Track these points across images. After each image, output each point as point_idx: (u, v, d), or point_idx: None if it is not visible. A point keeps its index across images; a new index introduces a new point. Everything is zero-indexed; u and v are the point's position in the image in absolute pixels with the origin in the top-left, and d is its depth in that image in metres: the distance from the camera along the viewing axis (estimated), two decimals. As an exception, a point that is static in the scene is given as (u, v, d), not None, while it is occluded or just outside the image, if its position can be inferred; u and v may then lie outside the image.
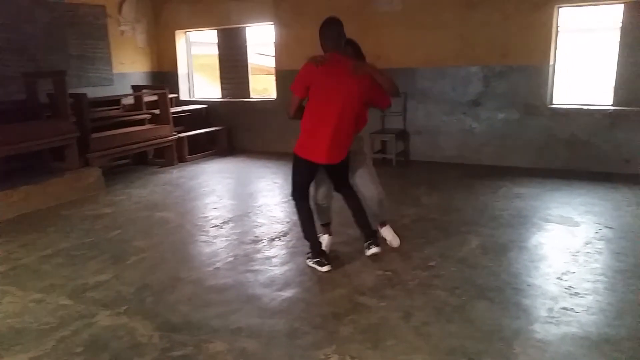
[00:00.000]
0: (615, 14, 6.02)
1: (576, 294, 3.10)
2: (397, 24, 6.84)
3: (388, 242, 3.92)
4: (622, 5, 5.78)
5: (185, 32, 8.90)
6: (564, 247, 3.86)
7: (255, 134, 8.29)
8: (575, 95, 7.88)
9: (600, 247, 3.85)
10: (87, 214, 5.11)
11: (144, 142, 6.95)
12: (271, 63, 8.42)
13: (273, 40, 7.87)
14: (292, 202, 3.67)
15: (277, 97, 8.04)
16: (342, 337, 2.72)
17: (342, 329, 2.79)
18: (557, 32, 6.17)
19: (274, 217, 4.83)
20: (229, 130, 8.37)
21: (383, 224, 3.95)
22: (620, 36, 5.85)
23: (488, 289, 3.19)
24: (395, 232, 3.97)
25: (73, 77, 7.23)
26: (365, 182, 3.73)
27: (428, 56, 6.77)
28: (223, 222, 4.72)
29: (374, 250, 3.70)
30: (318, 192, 3.69)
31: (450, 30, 6.53)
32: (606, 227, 4.25)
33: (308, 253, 3.66)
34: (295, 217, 3.85)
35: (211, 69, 9.27)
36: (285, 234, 4.33)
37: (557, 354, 2.51)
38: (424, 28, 6.69)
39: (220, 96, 8.74)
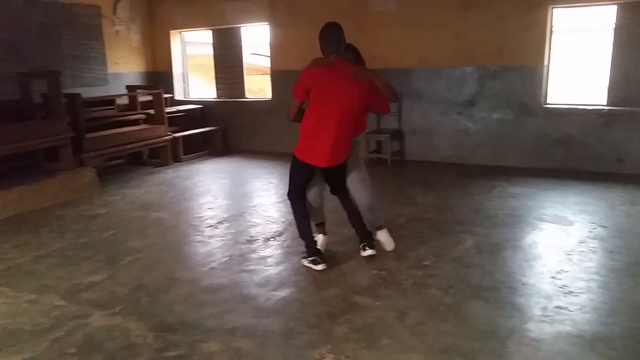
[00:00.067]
0: (609, 15, 6.06)
1: (570, 292, 3.12)
2: (392, 24, 6.85)
3: (382, 246, 3.92)
4: (616, 6, 5.82)
5: (180, 32, 8.89)
6: (558, 246, 3.88)
7: (250, 134, 8.29)
8: (569, 96, 7.93)
9: (594, 246, 3.87)
10: (81, 214, 5.09)
11: (138, 142, 6.93)
12: (266, 63, 8.42)
13: (268, 40, 7.87)
14: (289, 202, 3.67)
15: (272, 97, 8.04)
16: (337, 336, 2.72)
17: (337, 329, 2.79)
18: (551, 32, 6.20)
19: (269, 217, 4.83)
20: (224, 130, 8.36)
21: (379, 228, 3.94)
22: (614, 37, 5.88)
23: (482, 288, 3.21)
24: (390, 231, 3.96)
25: (68, 77, 7.22)
26: (356, 187, 3.72)
27: (423, 56, 6.80)
28: (218, 222, 4.71)
29: (369, 252, 3.72)
30: (309, 192, 3.69)
31: (446, 31, 6.55)
32: (600, 226, 4.27)
33: (303, 252, 3.66)
34: (290, 217, 3.86)
35: (206, 69, 9.27)
36: (280, 234, 4.33)
37: (551, 352, 2.52)
38: (419, 28, 6.71)
39: (215, 96, 8.73)
